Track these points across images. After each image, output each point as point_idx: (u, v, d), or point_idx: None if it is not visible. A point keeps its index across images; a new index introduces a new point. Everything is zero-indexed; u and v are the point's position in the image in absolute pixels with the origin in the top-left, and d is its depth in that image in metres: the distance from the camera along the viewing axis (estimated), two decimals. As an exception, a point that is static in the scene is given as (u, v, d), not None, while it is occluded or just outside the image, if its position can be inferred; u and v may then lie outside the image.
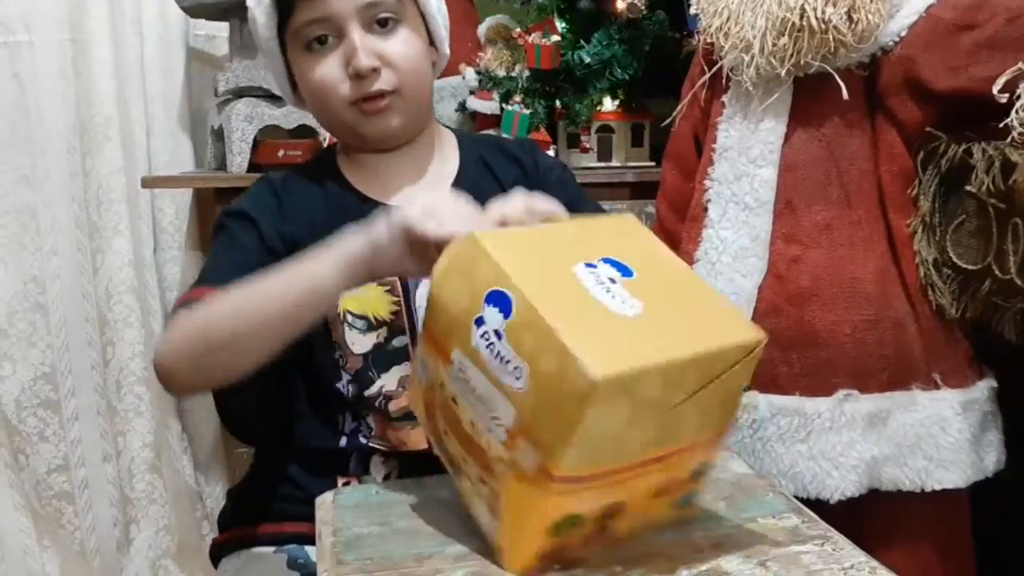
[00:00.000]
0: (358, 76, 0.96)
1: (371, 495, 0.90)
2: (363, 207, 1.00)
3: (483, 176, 1.08)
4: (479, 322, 0.69)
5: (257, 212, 1.01)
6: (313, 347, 1.01)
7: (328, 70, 0.97)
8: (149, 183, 1.74)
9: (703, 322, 0.73)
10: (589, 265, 0.72)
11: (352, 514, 0.86)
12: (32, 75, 1.80)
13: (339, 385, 1.02)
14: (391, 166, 1.05)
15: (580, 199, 1.11)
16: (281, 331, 0.86)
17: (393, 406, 1.01)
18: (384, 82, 0.98)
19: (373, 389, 1.01)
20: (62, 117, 1.83)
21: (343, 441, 1.03)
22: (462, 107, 1.87)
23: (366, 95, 0.97)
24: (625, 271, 0.73)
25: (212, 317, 0.88)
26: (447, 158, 1.09)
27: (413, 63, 1.00)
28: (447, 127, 1.15)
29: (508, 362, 0.67)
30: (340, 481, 1.02)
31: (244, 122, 1.74)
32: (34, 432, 1.88)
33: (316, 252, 0.85)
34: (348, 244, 0.83)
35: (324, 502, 0.89)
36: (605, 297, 0.69)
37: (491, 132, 1.72)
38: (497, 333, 0.67)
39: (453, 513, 0.82)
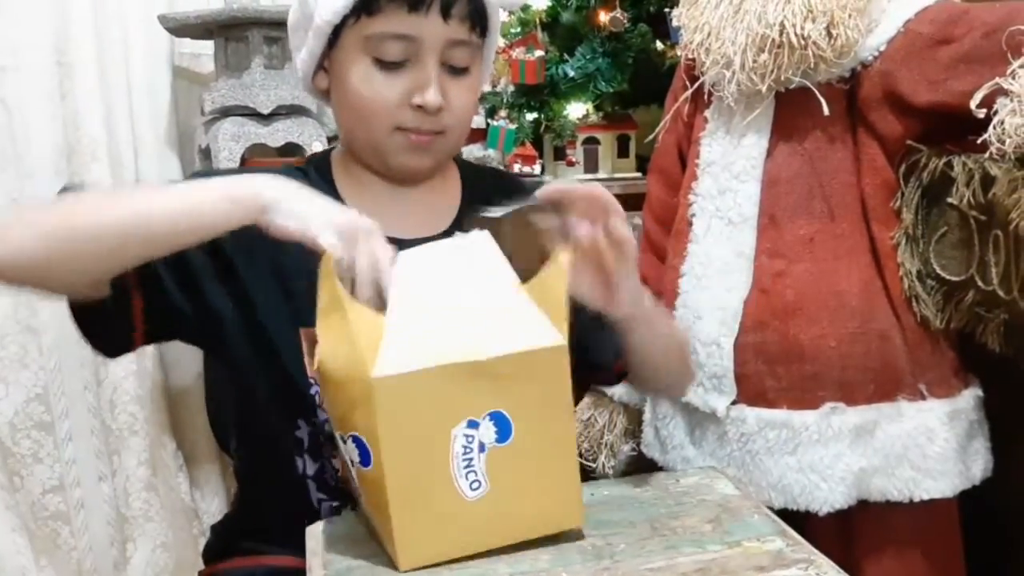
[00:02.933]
0: (420, 109, 0.93)
1: (361, 525, 0.91)
2: None
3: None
4: (342, 439, 0.77)
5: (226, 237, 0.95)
6: (282, 385, 0.97)
7: (389, 90, 0.93)
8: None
9: (536, 506, 0.80)
10: (472, 423, 0.75)
11: (342, 545, 0.86)
12: (18, 99, 1.81)
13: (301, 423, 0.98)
14: (393, 196, 1.02)
15: None
16: (143, 237, 0.80)
17: None
18: (440, 123, 0.95)
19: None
20: (49, 140, 1.83)
21: (310, 486, 0.99)
22: (449, 121, 1.87)
23: (419, 129, 0.94)
24: (504, 433, 0.76)
25: (82, 203, 0.83)
26: (449, 193, 1.06)
27: (468, 112, 0.99)
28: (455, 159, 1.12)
29: (355, 483, 0.79)
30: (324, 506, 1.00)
31: (231, 141, 1.74)
32: (28, 453, 1.89)
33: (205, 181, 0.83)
34: (236, 185, 0.81)
35: (314, 533, 0.90)
36: (460, 473, 0.75)
37: (483, 151, 1.72)
38: (352, 463, 0.77)
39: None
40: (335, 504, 0.99)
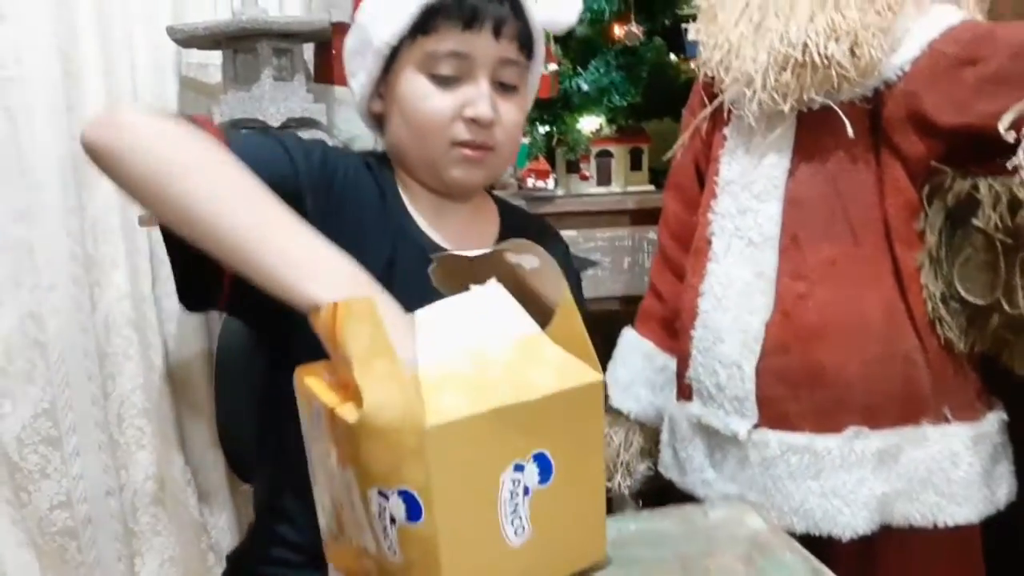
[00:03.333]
0: (474, 122, 0.97)
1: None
2: (411, 230, 1.01)
3: None
4: (382, 495, 0.70)
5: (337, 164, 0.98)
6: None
7: (444, 105, 0.97)
8: (147, 221, 1.72)
9: (569, 544, 0.80)
10: (518, 467, 0.74)
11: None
12: (24, 109, 1.78)
13: None
14: (439, 212, 1.05)
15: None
16: (215, 243, 0.77)
17: None
18: (492, 137, 0.99)
19: None
20: (55, 151, 1.80)
21: None
22: (460, 134, 1.85)
23: (473, 143, 0.98)
24: (546, 474, 0.75)
25: (189, 158, 0.78)
26: (489, 219, 1.10)
27: (517, 130, 1.04)
28: (489, 193, 1.16)
29: (390, 543, 0.71)
30: None
31: (239, 155, 1.72)
32: (36, 469, 1.87)
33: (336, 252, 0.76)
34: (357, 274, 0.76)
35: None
36: (507, 519, 0.73)
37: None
38: (392, 520, 0.70)
39: None
40: None
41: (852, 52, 1.18)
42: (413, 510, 0.69)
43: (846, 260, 1.25)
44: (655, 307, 1.53)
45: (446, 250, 1.00)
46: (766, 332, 1.27)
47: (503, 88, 1.00)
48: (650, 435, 1.54)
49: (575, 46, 1.69)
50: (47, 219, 1.81)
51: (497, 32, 0.97)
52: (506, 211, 1.13)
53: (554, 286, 0.79)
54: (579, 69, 1.66)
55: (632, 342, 1.54)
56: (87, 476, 1.89)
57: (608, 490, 1.60)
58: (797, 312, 1.25)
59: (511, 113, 1.01)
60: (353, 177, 1.00)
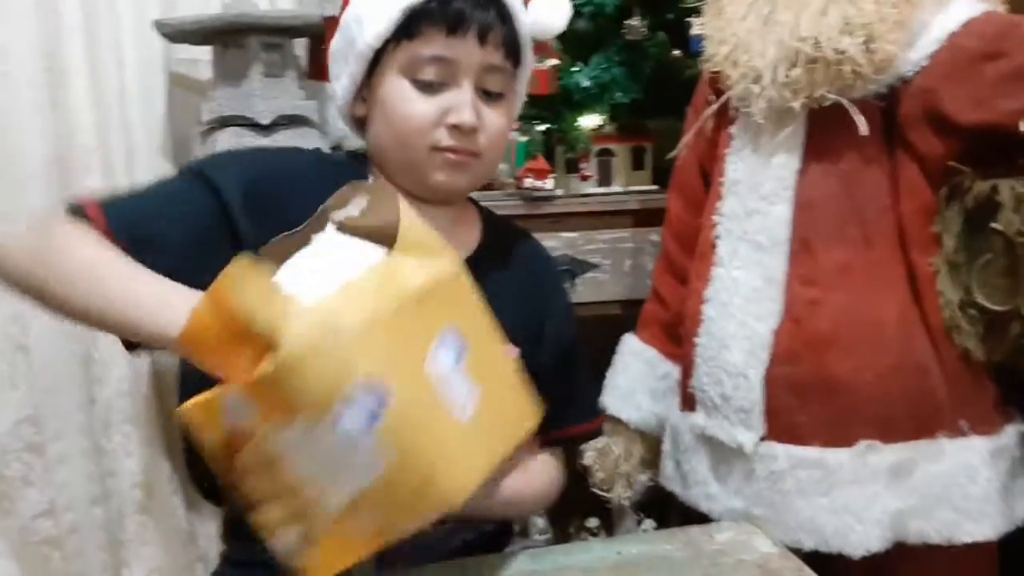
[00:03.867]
0: (456, 129, 0.95)
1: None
2: None
3: (502, 258, 1.06)
4: (346, 404, 0.70)
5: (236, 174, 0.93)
6: None
7: (426, 110, 0.95)
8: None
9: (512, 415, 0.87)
10: (437, 348, 0.78)
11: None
12: (7, 107, 1.73)
13: None
14: (419, 214, 0.99)
15: (571, 355, 1.10)
16: (106, 326, 0.81)
17: None
18: (475, 144, 0.97)
19: None
20: (40, 150, 1.75)
21: None
22: (457, 132, 1.80)
23: (455, 148, 0.96)
24: (461, 349, 0.80)
25: (71, 259, 0.81)
26: (471, 227, 1.07)
27: (502, 137, 1.01)
28: (472, 200, 1.12)
29: (367, 452, 0.71)
30: None
31: (229, 153, 1.66)
32: (18, 476, 1.81)
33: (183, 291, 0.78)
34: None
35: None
36: (447, 397, 0.77)
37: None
38: (373, 418, 0.71)
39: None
40: None
41: (867, 46, 1.13)
42: (379, 399, 0.70)
43: (859, 265, 1.19)
44: (657, 312, 1.47)
45: None
46: (774, 340, 1.21)
47: (488, 95, 0.98)
48: (651, 445, 1.48)
49: (576, 41, 1.63)
50: (31, 219, 1.75)
51: (482, 38, 0.95)
52: (490, 221, 1.10)
53: (389, 210, 0.81)
54: (580, 65, 1.61)
55: (633, 348, 1.48)
56: (71, 484, 1.84)
57: (608, 502, 1.54)
58: (807, 319, 1.20)
59: (495, 120, 0.99)
60: (293, 177, 0.97)
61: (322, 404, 0.70)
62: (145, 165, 1.88)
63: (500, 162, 1.07)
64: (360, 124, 1.04)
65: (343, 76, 1.01)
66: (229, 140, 1.67)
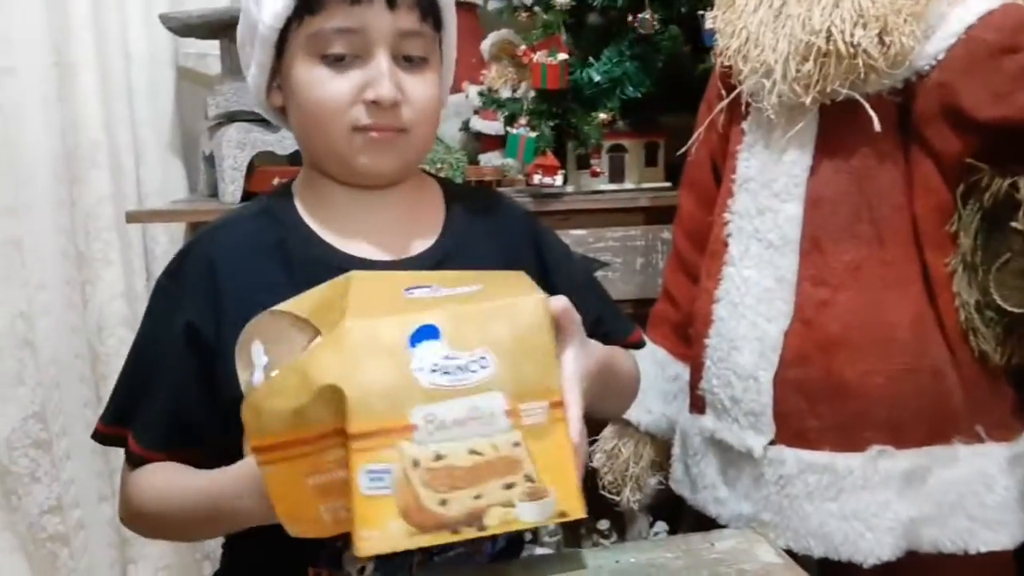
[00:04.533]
0: (375, 105, 0.87)
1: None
2: (330, 260, 0.90)
3: (472, 230, 0.99)
4: (419, 370, 0.68)
5: (187, 299, 0.90)
6: None
7: (339, 89, 0.87)
8: (134, 218, 1.65)
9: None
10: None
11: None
12: (15, 102, 1.73)
13: None
14: (370, 208, 0.95)
15: (589, 285, 1.07)
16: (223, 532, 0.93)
17: None
18: (399, 119, 0.89)
19: None
20: (47, 145, 1.75)
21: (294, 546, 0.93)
22: (466, 127, 1.78)
23: (377, 126, 0.88)
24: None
25: (164, 513, 0.89)
26: (429, 210, 0.99)
27: (431, 107, 0.93)
28: (431, 175, 1.05)
29: (467, 363, 0.69)
30: (311, 572, 0.91)
31: (236, 149, 1.65)
32: (25, 472, 1.81)
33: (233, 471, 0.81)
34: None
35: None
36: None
37: (502, 160, 1.63)
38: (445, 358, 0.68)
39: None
40: (337, 545, 0.89)
41: (881, 40, 1.09)
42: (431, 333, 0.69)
43: (871, 265, 1.16)
44: (668, 312, 1.44)
45: (370, 261, 0.92)
46: (784, 341, 1.18)
47: (408, 62, 0.89)
48: (661, 448, 1.46)
49: (587, 35, 1.60)
50: (37, 215, 1.76)
51: (391, 2, 0.87)
52: (452, 195, 1.02)
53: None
54: (591, 59, 1.57)
55: (644, 348, 1.45)
56: (79, 480, 1.84)
57: (617, 505, 1.51)
58: (818, 320, 1.17)
59: (420, 89, 0.90)
60: (223, 271, 0.91)
61: (399, 392, 0.68)
62: (153, 160, 1.87)
63: (434, 136, 0.98)
64: (282, 114, 0.97)
65: (252, 65, 0.94)
66: (236, 136, 1.66)
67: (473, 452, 0.69)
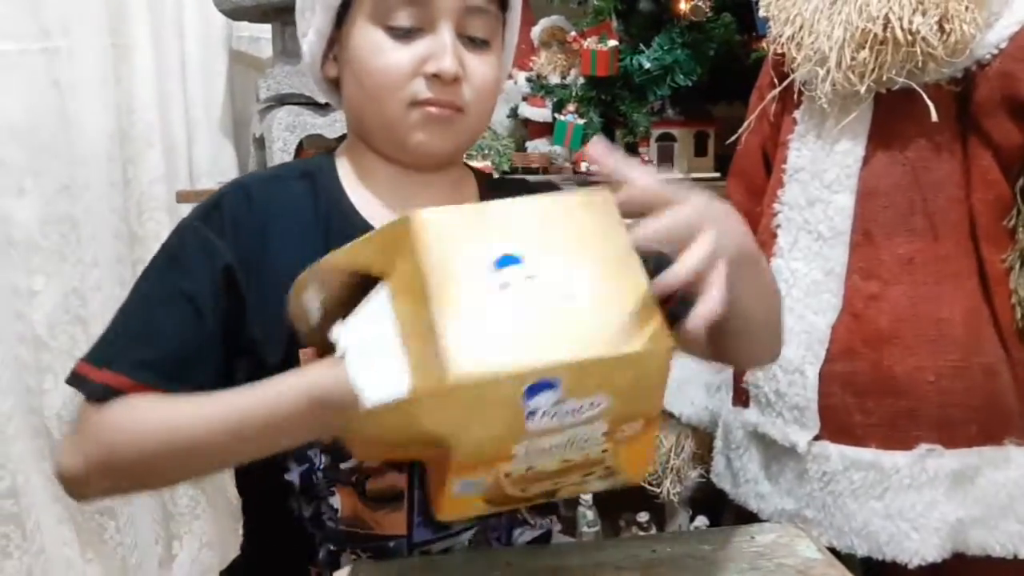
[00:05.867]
0: (436, 78, 0.85)
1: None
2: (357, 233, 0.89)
3: None
4: (530, 415, 0.62)
5: (225, 243, 0.85)
6: None
7: (401, 59, 0.85)
8: (184, 197, 1.67)
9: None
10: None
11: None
12: (71, 82, 1.75)
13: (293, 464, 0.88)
14: (412, 190, 0.92)
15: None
16: (219, 463, 0.79)
17: (374, 484, 0.87)
18: (458, 96, 0.86)
19: (351, 462, 0.87)
20: (102, 125, 1.77)
21: (308, 528, 0.90)
22: (514, 113, 1.77)
23: (436, 100, 0.86)
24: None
25: (129, 438, 0.76)
26: (467, 198, 0.97)
27: (491, 89, 0.90)
28: (468, 166, 1.03)
29: (581, 409, 0.64)
30: (313, 572, 0.89)
31: (285, 131, 1.66)
32: (77, 448, 1.85)
33: (276, 382, 0.71)
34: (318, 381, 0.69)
35: (339, 585, 0.81)
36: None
37: (549, 147, 1.62)
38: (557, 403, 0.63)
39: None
40: (332, 548, 0.89)
41: (941, 27, 1.06)
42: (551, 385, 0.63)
43: (924, 259, 1.13)
44: (714, 303, 1.42)
45: None
46: (832, 335, 1.16)
47: (472, 42, 0.87)
48: (703, 441, 1.44)
49: (637, 21, 1.58)
50: (91, 194, 1.78)
51: None
52: (489, 187, 1.00)
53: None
54: (641, 46, 1.56)
55: (687, 340, 1.43)
56: (128, 456, 1.87)
57: (656, 496, 1.50)
58: (868, 314, 1.15)
59: (481, 70, 0.87)
60: (264, 222, 0.88)
61: (505, 430, 0.64)
62: (205, 140, 1.90)
63: (489, 120, 0.95)
64: (335, 87, 0.94)
65: (310, 32, 0.91)
66: (286, 119, 1.67)
67: (564, 461, 0.68)
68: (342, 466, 0.87)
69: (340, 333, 0.68)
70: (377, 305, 0.66)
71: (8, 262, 1.77)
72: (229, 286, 0.85)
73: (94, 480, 0.79)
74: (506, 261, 0.64)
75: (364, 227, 0.90)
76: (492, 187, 1.00)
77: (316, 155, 1.00)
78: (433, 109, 0.86)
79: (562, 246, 0.66)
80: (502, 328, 0.62)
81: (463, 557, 0.83)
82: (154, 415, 0.77)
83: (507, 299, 0.62)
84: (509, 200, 0.67)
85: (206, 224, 0.88)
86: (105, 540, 1.89)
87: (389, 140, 0.89)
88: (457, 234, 0.64)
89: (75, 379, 0.81)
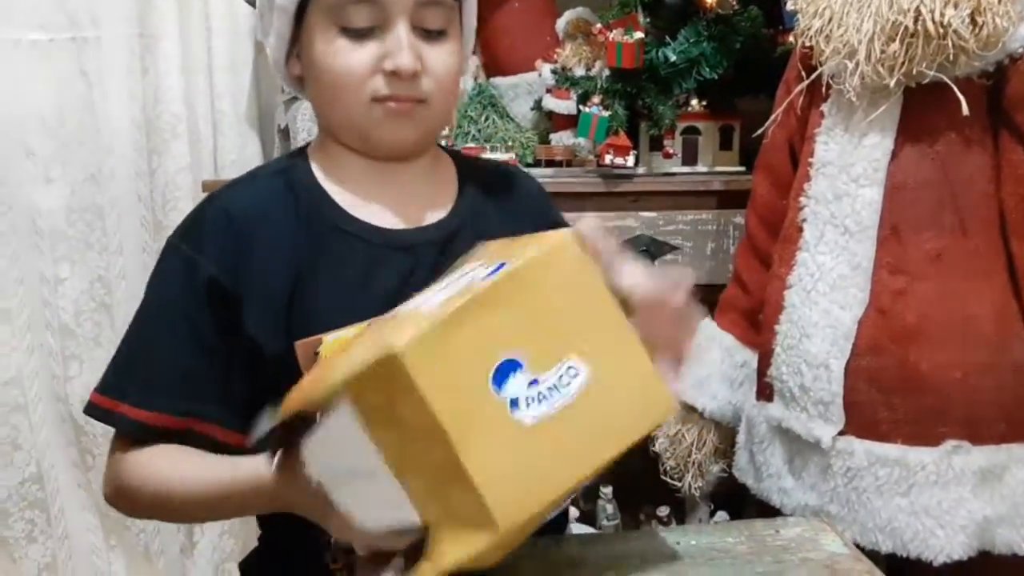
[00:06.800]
0: (395, 75, 0.86)
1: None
2: (345, 225, 0.90)
3: (484, 201, 0.98)
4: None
5: (205, 257, 0.88)
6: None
7: (359, 59, 0.86)
8: (210, 187, 1.68)
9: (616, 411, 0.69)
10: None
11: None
12: (99, 71, 1.76)
13: None
14: (385, 179, 0.94)
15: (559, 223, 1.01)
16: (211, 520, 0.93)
17: None
18: (418, 89, 0.88)
19: None
20: (129, 114, 1.78)
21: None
22: (538, 105, 1.76)
23: (396, 96, 0.87)
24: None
25: (159, 494, 0.87)
26: (444, 182, 0.99)
27: (451, 78, 0.92)
28: (443, 148, 1.04)
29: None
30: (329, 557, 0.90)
31: (310, 122, 1.66)
32: (100, 433, 1.86)
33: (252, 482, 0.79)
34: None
35: None
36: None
37: (573, 139, 1.62)
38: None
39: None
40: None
41: (973, 20, 1.06)
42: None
43: (953, 254, 1.12)
44: (738, 298, 1.42)
45: (383, 229, 0.91)
46: (858, 330, 1.15)
47: (427, 34, 0.88)
48: (725, 435, 1.43)
49: (663, 13, 1.58)
50: (117, 183, 1.79)
51: None
52: (464, 168, 1.01)
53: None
54: (667, 39, 1.55)
55: (711, 334, 1.43)
56: (150, 443, 1.88)
57: (678, 491, 1.50)
58: (895, 310, 1.14)
59: (440, 60, 0.89)
60: (251, 225, 0.90)
61: None
62: (230, 131, 1.90)
63: (454, 108, 0.96)
64: (300, 83, 0.96)
65: (271, 34, 0.93)
66: (310, 109, 1.67)
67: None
68: None
69: (309, 460, 0.68)
70: (342, 432, 0.66)
71: (35, 250, 1.78)
72: (216, 296, 0.88)
73: (119, 507, 0.93)
74: (505, 370, 0.64)
75: (339, 214, 0.92)
76: (466, 170, 1.01)
77: (286, 154, 1.03)
78: (394, 104, 0.87)
79: (551, 325, 0.66)
80: (529, 461, 0.63)
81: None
82: (153, 480, 0.87)
83: (523, 424, 0.63)
84: (480, 291, 0.65)
85: (185, 242, 0.91)
86: (128, 527, 1.90)
87: (355, 136, 0.92)
88: (449, 356, 0.63)
89: (95, 411, 0.91)
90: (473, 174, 1.00)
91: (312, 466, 0.68)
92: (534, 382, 0.64)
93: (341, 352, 0.74)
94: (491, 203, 0.97)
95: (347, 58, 0.86)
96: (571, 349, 0.66)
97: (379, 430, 0.64)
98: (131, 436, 0.89)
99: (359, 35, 0.86)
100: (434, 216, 0.95)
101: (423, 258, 0.91)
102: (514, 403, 0.63)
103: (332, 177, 0.94)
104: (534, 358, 0.65)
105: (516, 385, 0.64)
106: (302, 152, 0.98)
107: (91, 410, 0.91)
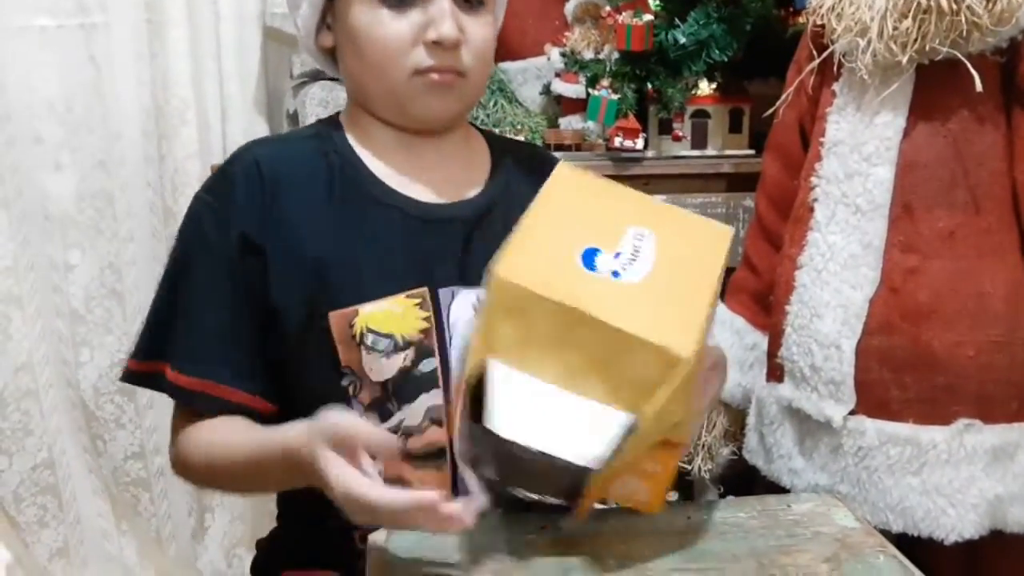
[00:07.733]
0: (437, 45, 0.85)
1: (427, 537, 0.82)
2: (382, 196, 0.90)
3: (517, 181, 0.97)
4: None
5: (235, 209, 0.88)
6: (311, 377, 0.89)
7: (400, 29, 0.86)
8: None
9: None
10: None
11: (406, 561, 0.78)
12: (107, 57, 1.76)
13: None
14: (418, 152, 0.94)
15: None
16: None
17: (415, 443, 0.88)
18: (459, 61, 0.87)
19: (391, 422, 0.87)
20: (137, 100, 1.78)
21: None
22: (546, 90, 1.76)
23: (438, 67, 0.87)
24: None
25: (214, 467, 0.88)
26: (476, 159, 0.99)
27: (489, 50, 0.91)
28: (476, 127, 1.04)
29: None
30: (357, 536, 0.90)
31: (319, 107, 1.66)
32: (111, 419, 1.87)
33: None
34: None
35: (375, 546, 0.81)
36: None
37: (583, 122, 1.62)
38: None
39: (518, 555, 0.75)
40: None
41: (986, -5, 1.04)
42: None
43: (965, 232, 1.12)
44: (748, 280, 1.41)
45: (419, 202, 0.91)
46: (870, 309, 1.15)
47: (467, 4, 0.88)
48: (735, 417, 1.43)
49: (672, -5, 1.57)
50: (127, 169, 1.79)
51: None
52: (496, 147, 1.01)
53: None
54: (676, 21, 1.54)
55: (721, 317, 1.42)
56: (160, 428, 1.89)
57: (687, 473, 1.50)
58: (906, 288, 1.13)
59: (479, 32, 0.88)
60: (282, 182, 0.89)
61: None
62: (239, 116, 1.90)
63: (486, 82, 0.97)
64: (331, 56, 0.95)
65: (303, 4, 0.92)
66: (319, 94, 1.67)
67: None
68: (383, 425, 0.87)
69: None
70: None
71: (45, 236, 1.78)
72: (249, 251, 0.87)
73: (180, 475, 0.94)
74: (589, 257, 0.73)
75: (373, 183, 0.92)
76: (498, 146, 1.01)
77: (318, 121, 1.02)
78: (436, 76, 0.87)
79: (597, 217, 0.78)
80: (660, 304, 0.71)
81: (501, 519, 0.83)
82: (207, 448, 0.88)
83: (634, 283, 0.72)
84: (528, 213, 0.76)
85: (215, 196, 0.91)
86: (139, 512, 1.91)
87: (392, 108, 0.91)
88: (539, 259, 0.72)
89: (134, 377, 0.92)
90: (505, 153, 1.00)
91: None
92: (617, 255, 0.74)
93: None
94: (523, 183, 0.96)
95: (388, 28, 0.86)
96: (625, 223, 0.77)
97: (531, 359, 0.70)
98: (178, 400, 0.91)
99: (400, 4, 0.85)
100: (468, 192, 0.95)
101: (456, 233, 0.91)
102: (615, 274, 0.73)
103: (367, 148, 0.93)
104: (603, 241, 0.74)
105: (605, 262, 0.73)
106: (334, 120, 0.97)
107: (131, 376, 0.92)
